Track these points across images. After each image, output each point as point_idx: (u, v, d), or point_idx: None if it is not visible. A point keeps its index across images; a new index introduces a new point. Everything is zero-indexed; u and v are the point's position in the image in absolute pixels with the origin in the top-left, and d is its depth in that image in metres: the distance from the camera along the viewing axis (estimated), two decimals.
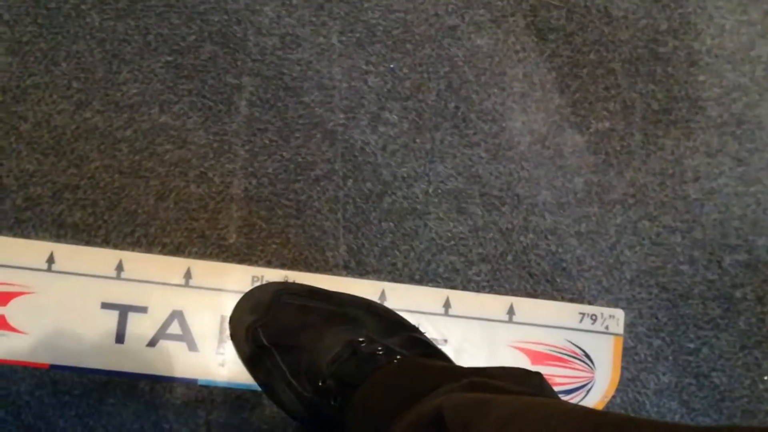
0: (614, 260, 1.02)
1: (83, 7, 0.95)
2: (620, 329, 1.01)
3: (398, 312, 0.94)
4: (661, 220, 1.04)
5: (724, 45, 1.07)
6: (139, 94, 0.95)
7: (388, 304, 0.96)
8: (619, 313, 1.02)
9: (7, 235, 0.91)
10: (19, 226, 0.91)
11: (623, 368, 1.01)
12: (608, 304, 1.02)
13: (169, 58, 0.96)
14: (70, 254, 0.92)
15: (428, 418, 0.62)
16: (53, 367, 0.90)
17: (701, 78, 1.06)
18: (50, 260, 0.91)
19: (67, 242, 0.92)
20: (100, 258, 0.92)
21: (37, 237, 0.91)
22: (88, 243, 0.92)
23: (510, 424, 0.54)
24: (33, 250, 0.91)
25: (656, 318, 1.02)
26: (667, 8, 1.06)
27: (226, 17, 0.97)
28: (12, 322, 0.90)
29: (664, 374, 1.02)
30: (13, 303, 0.90)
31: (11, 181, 0.91)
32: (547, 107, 1.02)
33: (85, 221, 0.92)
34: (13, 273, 0.91)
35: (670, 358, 1.02)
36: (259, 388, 0.91)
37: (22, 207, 0.91)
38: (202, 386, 0.92)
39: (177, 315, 0.93)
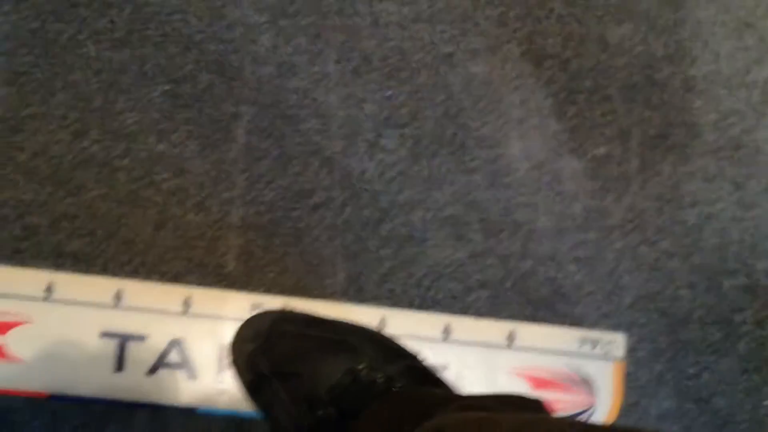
0: (613, 285, 1.02)
1: (80, 37, 0.95)
2: (620, 354, 1.01)
3: (398, 338, 0.93)
4: (660, 245, 1.04)
5: (720, 71, 1.08)
6: (136, 123, 0.95)
7: (388, 330, 0.95)
8: (620, 338, 1.01)
9: (5, 265, 0.91)
10: (18, 256, 0.91)
11: (625, 393, 1.01)
12: (608, 329, 1.01)
13: (167, 87, 0.96)
14: (69, 283, 0.92)
15: None
16: (52, 396, 0.90)
17: (698, 104, 1.07)
18: (48, 289, 0.91)
19: (65, 271, 0.92)
20: (99, 287, 0.92)
21: (36, 266, 0.91)
22: (86, 272, 0.92)
23: None
24: (31, 279, 0.91)
25: (656, 343, 1.02)
26: (663, 35, 1.07)
27: (222, 46, 0.98)
28: (11, 352, 0.90)
29: (665, 399, 1.02)
30: (12, 333, 0.90)
31: (9, 211, 0.92)
32: (544, 133, 1.03)
33: (83, 250, 0.92)
34: (12, 302, 0.90)
35: (671, 383, 1.02)
36: (259, 416, 0.91)
37: (20, 236, 0.91)
38: (201, 414, 0.92)
39: (176, 343, 0.93)
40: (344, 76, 1.00)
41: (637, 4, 1.07)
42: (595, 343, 1.01)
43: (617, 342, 1.01)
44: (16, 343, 0.90)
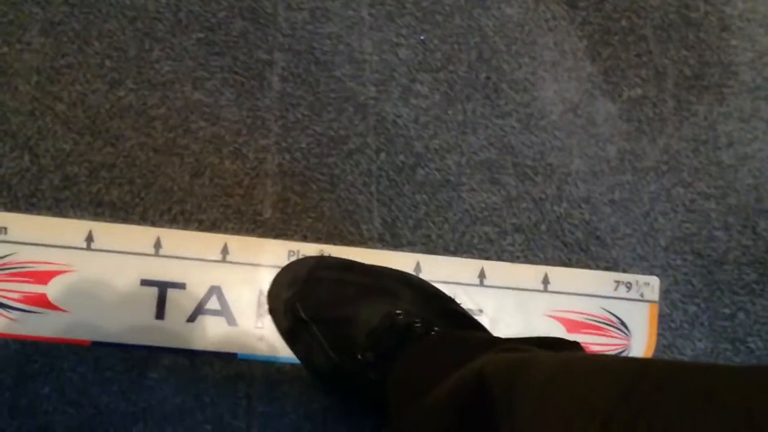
0: (648, 227, 1.02)
1: None
2: (655, 296, 1.01)
3: (434, 283, 0.94)
4: (695, 186, 1.03)
5: (756, 9, 1.06)
6: (171, 72, 0.95)
7: (423, 275, 0.96)
8: (654, 280, 1.02)
9: (46, 215, 0.92)
10: (58, 206, 0.92)
11: (659, 335, 1.01)
12: (643, 272, 1.02)
13: (201, 35, 0.96)
14: (109, 232, 0.92)
15: (470, 381, 0.62)
16: (95, 343, 0.91)
17: (733, 43, 1.06)
18: (89, 239, 0.92)
19: (105, 220, 0.92)
20: (138, 235, 0.93)
21: (76, 216, 0.92)
22: (125, 221, 0.93)
23: (555, 380, 0.53)
24: (72, 228, 0.92)
25: (691, 284, 1.02)
26: None
27: None
28: (53, 301, 0.91)
29: (699, 340, 1.02)
30: (54, 281, 0.91)
31: (48, 161, 0.92)
32: (578, 75, 1.02)
33: (122, 199, 0.93)
34: (53, 252, 0.91)
35: (706, 324, 1.02)
36: (298, 361, 0.92)
37: (59, 186, 0.92)
38: (241, 360, 0.93)
39: (215, 290, 0.94)
40: (378, 20, 0.99)
41: None
42: (629, 286, 1.01)
43: (652, 284, 1.02)
44: (58, 292, 0.91)
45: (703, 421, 0.41)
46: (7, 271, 0.90)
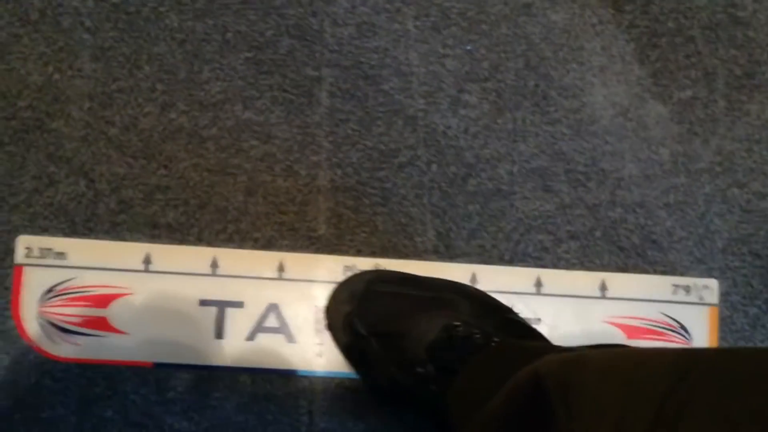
0: (705, 230, 1.01)
1: (162, 9, 0.96)
2: (715, 299, 1.00)
3: (490, 293, 0.94)
4: (751, 186, 1.02)
5: None
6: (221, 92, 0.96)
7: (480, 286, 0.96)
8: (713, 283, 1.00)
9: (103, 239, 0.92)
10: (115, 229, 0.93)
11: (720, 338, 1.00)
12: (701, 275, 1.00)
13: (249, 55, 0.97)
14: (166, 254, 0.93)
15: (525, 383, 0.62)
16: (156, 365, 0.91)
17: None
18: (147, 261, 0.93)
19: (162, 242, 0.93)
20: (195, 256, 0.93)
21: (133, 239, 0.93)
22: (182, 242, 0.93)
23: (609, 374, 0.54)
24: (129, 251, 0.93)
25: (751, 286, 1.01)
26: None
27: (301, 10, 0.98)
28: (114, 324, 0.91)
29: (762, 342, 1.00)
30: (114, 304, 0.92)
31: (104, 186, 0.93)
32: (627, 79, 1.01)
33: (178, 220, 0.93)
34: (112, 275, 0.92)
35: (767, 325, 1.01)
36: (358, 377, 0.92)
37: (116, 210, 0.93)
38: (301, 377, 0.93)
39: (273, 308, 0.94)
40: (423, 32, 0.99)
41: None
42: (688, 290, 1.00)
43: (711, 287, 1.00)
44: (118, 315, 0.92)
45: (754, 402, 0.41)
46: (68, 296, 0.91)
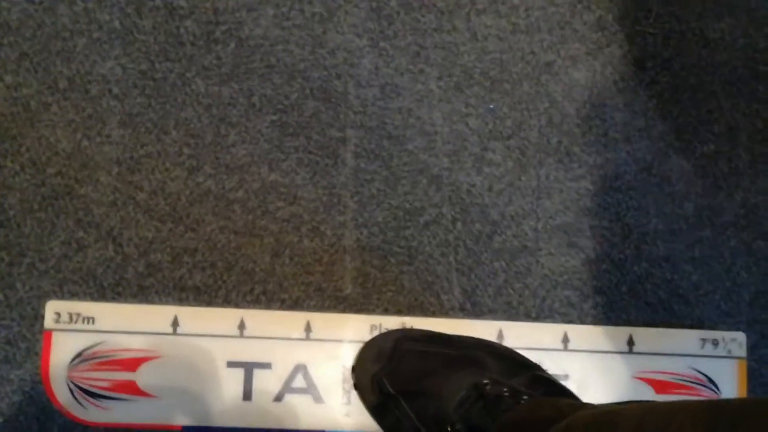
0: (731, 283, 1.01)
1: (188, 75, 0.97)
2: (743, 352, 1.00)
3: (517, 350, 0.94)
4: None
5: None
6: (247, 155, 0.97)
7: (507, 343, 0.95)
8: (741, 336, 1.00)
9: (131, 302, 0.93)
10: (143, 293, 0.93)
11: (749, 391, 0.99)
12: (729, 328, 1.00)
13: (274, 117, 0.98)
14: (194, 316, 0.93)
15: None
16: (185, 428, 0.91)
17: None
18: (175, 323, 0.93)
19: (189, 305, 0.94)
20: (223, 318, 0.94)
21: (161, 302, 0.93)
22: (209, 304, 0.94)
23: (640, 429, 0.55)
24: (158, 314, 0.93)
25: None
26: (764, 26, 1.05)
27: (325, 73, 0.99)
28: (143, 387, 0.92)
29: None
30: (142, 368, 0.92)
31: (132, 250, 0.94)
32: (650, 135, 1.02)
33: (205, 283, 0.94)
34: (140, 339, 0.93)
35: None
36: None
37: (144, 274, 0.94)
38: None
39: (300, 368, 0.94)
40: (446, 92, 1.00)
41: None
42: (716, 343, 1.00)
43: (739, 340, 1.00)
44: (147, 378, 0.92)
45: None
46: (97, 360, 0.92)
